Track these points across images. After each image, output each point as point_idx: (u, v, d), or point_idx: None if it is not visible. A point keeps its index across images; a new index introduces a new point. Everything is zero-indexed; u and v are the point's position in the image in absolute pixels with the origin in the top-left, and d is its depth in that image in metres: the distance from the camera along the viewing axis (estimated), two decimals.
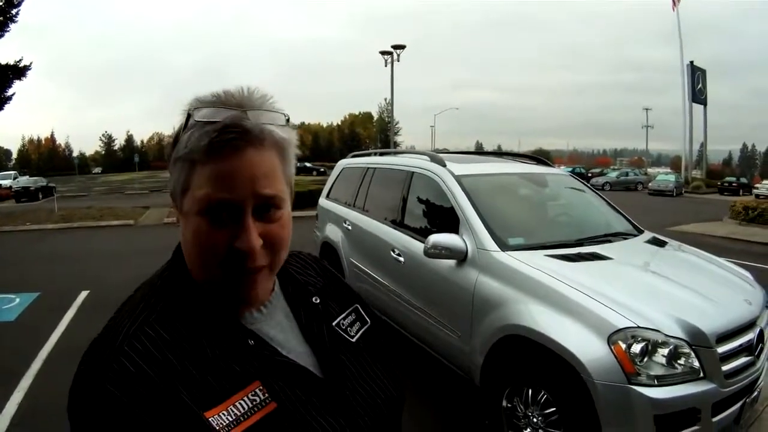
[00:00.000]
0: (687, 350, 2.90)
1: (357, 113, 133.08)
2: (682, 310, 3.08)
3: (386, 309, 5.06)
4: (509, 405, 3.48)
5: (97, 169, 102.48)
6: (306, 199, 17.48)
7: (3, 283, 8.83)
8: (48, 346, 5.93)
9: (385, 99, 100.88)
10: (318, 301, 1.05)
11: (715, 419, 2.97)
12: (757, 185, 43.78)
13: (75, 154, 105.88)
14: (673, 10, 56.30)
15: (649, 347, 2.85)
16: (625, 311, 2.98)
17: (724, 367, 3.01)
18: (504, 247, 3.86)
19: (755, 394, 3.35)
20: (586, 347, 2.94)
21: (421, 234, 4.57)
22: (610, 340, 2.88)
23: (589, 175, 54.41)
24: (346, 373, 0.98)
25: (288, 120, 0.88)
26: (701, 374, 2.91)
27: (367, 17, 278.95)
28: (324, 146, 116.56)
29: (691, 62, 55.44)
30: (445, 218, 4.41)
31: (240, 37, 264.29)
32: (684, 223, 18.16)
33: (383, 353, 1.10)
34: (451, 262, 4.03)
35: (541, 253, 3.80)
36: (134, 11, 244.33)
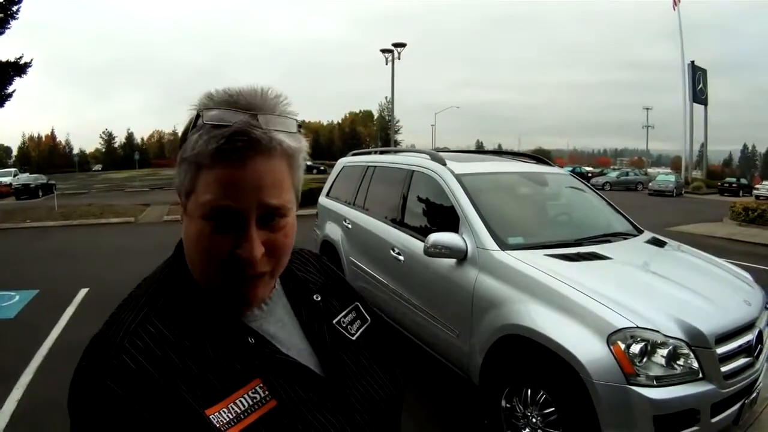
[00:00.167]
0: (686, 351, 2.90)
1: (357, 112, 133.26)
2: (681, 310, 3.08)
3: (385, 308, 5.06)
4: (508, 405, 3.48)
5: (98, 167, 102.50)
6: (306, 198, 17.32)
7: (3, 280, 8.84)
8: (47, 343, 5.93)
9: (386, 97, 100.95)
10: (319, 298, 1.05)
11: (714, 420, 2.97)
12: (757, 186, 43.77)
13: (75, 151, 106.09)
14: (674, 9, 56.31)
15: (649, 348, 2.85)
16: (625, 311, 2.98)
17: (723, 368, 3.01)
18: (504, 246, 3.86)
19: (754, 395, 3.35)
20: (586, 347, 2.93)
21: (421, 233, 4.56)
22: (610, 341, 2.88)
23: (589, 174, 54.45)
24: (346, 371, 0.98)
25: (300, 127, 0.87)
26: (700, 375, 2.91)
27: (367, 16, 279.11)
28: (324, 145, 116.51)
29: (692, 62, 55.46)
30: (445, 217, 4.41)
31: (241, 34, 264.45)
32: (684, 224, 18.15)
33: (383, 352, 1.10)
34: (451, 261, 4.03)
35: (540, 253, 3.79)
36: (135, 9, 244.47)
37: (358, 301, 1.15)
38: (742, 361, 3.17)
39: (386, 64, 31.76)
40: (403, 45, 30.85)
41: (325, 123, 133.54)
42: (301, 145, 0.87)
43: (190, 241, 0.86)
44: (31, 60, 22.98)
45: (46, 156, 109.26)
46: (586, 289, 3.19)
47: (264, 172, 0.81)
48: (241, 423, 0.80)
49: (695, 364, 2.90)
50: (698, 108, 57.17)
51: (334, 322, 1.05)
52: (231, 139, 0.78)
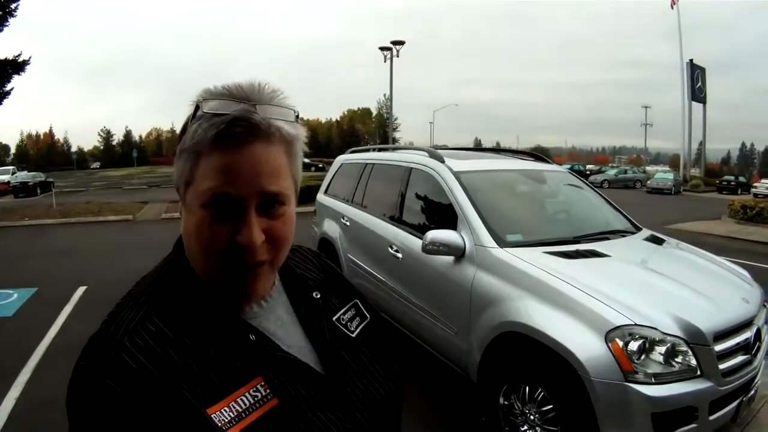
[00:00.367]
0: (684, 348, 2.90)
1: (356, 109, 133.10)
2: (679, 308, 3.08)
3: (384, 305, 5.06)
4: (506, 402, 3.48)
5: (96, 164, 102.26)
6: (304, 195, 17.33)
7: (1, 279, 8.84)
8: (45, 341, 5.92)
9: (384, 95, 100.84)
10: (318, 296, 1.05)
11: (712, 417, 2.98)
12: (755, 184, 43.80)
13: (73, 149, 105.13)
14: (672, 7, 56.33)
15: (647, 345, 2.85)
16: (623, 309, 2.98)
17: (722, 366, 3.01)
18: (502, 243, 3.86)
19: (752, 392, 3.35)
20: (584, 344, 2.93)
21: (419, 230, 4.55)
22: (608, 338, 2.88)
23: (588, 172, 54.47)
24: (346, 368, 0.98)
25: (297, 116, 0.87)
26: (698, 372, 2.92)
27: (366, 13, 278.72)
28: (323, 142, 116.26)
29: (691, 60, 55.49)
30: (443, 214, 4.41)
31: (239, 32, 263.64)
32: (682, 222, 18.20)
33: (383, 349, 1.10)
34: (449, 258, 4.03)
35: (539, 250, 3.79)
36: (133, 7, 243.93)
37: (358, 299, 1.14)
38: (740, 358, 3.17)
39: (385, 61, 31.74)
40: (401, 43, 30.81)
41: (323, 121, 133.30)
42: (299, 132, 0.88)
43: (190, 233, 0.86)
44: (30, 58, 22.96)
45: (44, 154, 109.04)
46: (584, 287, 3.19)
47: (263, 158, 0.82)
48: (243, 422, 0.80)
49: (693, 362, 2.91)
50: (697, 106, 57.28)
51: (333, 319, 1.05)
52: (231, 125, 0.78)
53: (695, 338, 2.93)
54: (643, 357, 2.85)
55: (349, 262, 5.92)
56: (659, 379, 2.83)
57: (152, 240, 12.40)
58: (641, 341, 2.85)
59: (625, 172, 53.90)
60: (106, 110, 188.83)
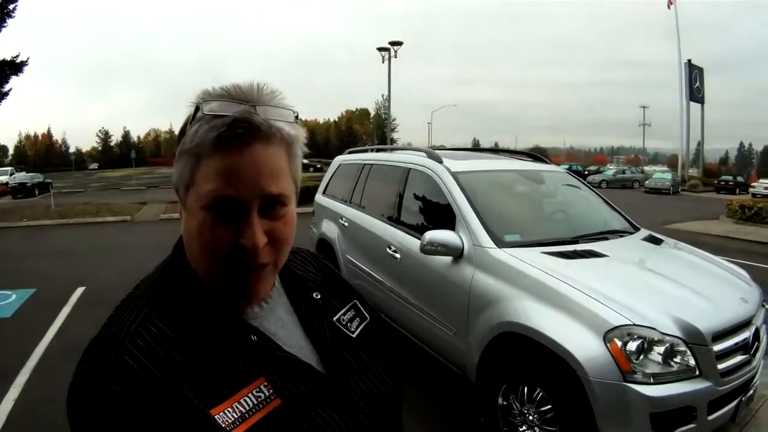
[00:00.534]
0: (683, 348, 2.90)
1: (354, 110, 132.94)
2: (678, 308, 3.09)
3: (382, 306, 5.05)
4: (505, 402, 3.48)
5: (94, 165, 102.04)
6: (302, 196, 17.26)
7: None
8: (44, 342, 5.91)
9: (383, 95, 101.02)
10: (318, 296, 1.05)
11: (710, 417, 2.98)
12: (753, 184, 43.80)
13: (72, 150, 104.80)
14: (669, 8, 56.30)
15: (645, 345, 2.85)
16: (621, 309, 2.98)
17: (720, 366, 3.01)
18: (500, 244, 3.86)
19: (751, 392, 3.35)
20: (582, 345, 2.93)
21: (418, 230, 4.55)
22: (606, 338, 2.88)
23: (586, 173, 54.51)
24: (347, 368, 0.98)
25: (297, 117, 0.87)
26: (697, 372, 2.92)
27: (364, 13, 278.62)
28: (321, 143, 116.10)
29: (689, 60, 55.50)
30: (441, 215, 4.41)
31: (237, 33, 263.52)
32: (680, 222, 18.22)
33: (383, 349, 1.10)
34: (447, 258, 4.03)
35: (537, 250, 3.80)
36: (131, 7, 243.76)
37: (357, 299, 1.15)
38: (738, 358, 3.17)
39: (383, 62, 31.73)
40: (399, 43, 30.79)
41: (321, 121, 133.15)
42: (300, 133, 0.88)
43: (191, 236, 0.85)
44: (28, 58, 22.96)
45: (42, 155, 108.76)
46: (582, 287, 3.19)
47: (264, 159, 0.81)
48: (246, 422, 0.80)
49: (692, 362, 2.91)
50: (695, 106, 57.32)
51: (334, 319, 1.05)
52: (232, 126, 0.78)
53: (694, 338, 2.93)
54: (641, 357, 2.85)
55: (347, 263, 5.91)
56: (658, 379, 2.83)
57: (151, 241, 12.39)
58: (640, 341, 2.85)
59: (623, 172, 53.95)
60: (104, 111, 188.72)
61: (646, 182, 42.77)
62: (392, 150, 6.69)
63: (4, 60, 22.21)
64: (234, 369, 0.83)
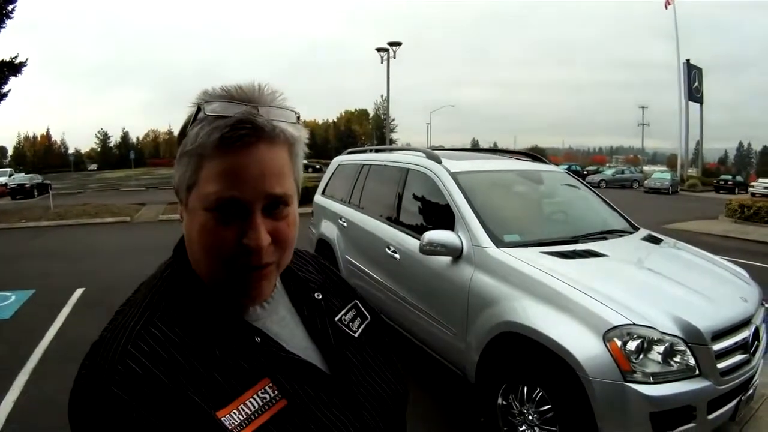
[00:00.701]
0: (683, 348, 2.90)
1: (353, 110, 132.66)
2: (677, 307, 3.09)
3: (381, 306, 5.04)
4: (504, 402, 3.48)
5: (93, 166, 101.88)
6: (302, 196, 17.42)
7: None
8: (44, 343, 5.91)
9: (382, 96, 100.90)
10: (320, 297, 1.05)
11: (710, 417, 2.98)
12: (752, 183, 43.77)
13: (71, 151, 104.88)
14: (666, 8, 56.22)
15: (645, 344, 2.85)
16: (621, 308, 2.98)
17: (720, 365, 3.01)
18: (499, 244, 3.86)
19: (751, 391, 3.35)
20: (582, 344, 2.93)
21: (417, 231, 4.55)
22: (606, 338, 2.88)
23: (585, 172, 54.50)
24: (351, 368, 0.98)
25: (298, 117, 0.87)
26: (697, 372, 2.92)
27: (363, 14, 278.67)
28: (320, 143, 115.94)
29: (687, 60, 55.42)
30: (440, 215, 4.40)
31: (236, 34, 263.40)
32: (680, 221, 18.22)
33: (385, 348, 1.10)
34: (447, 259, 4.03)
35: (536, 250, 3.80)
36: (130, 7, 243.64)
37: (357, 299, 1.14)
38: (738, 357, 3.17)
39: (381, 62, 31.72)
40: (398, 44, 30.78)
41: (320, 122, 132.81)
42: (302, 134, 0.88)
43: (193, 237, 0.85)
44: (27, 59, 23.00)
45: (41, 156, 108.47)
46: (582, 287, 3.19)
47: (267, 159, 0.81)
48: (253, 424, 0.80)
49: (692, 361, 2.91)
50: (694, 106, 57.17)
51: (335, 319, 1.05)
52: (235, 127, 0.78)
53: (693, 338, 2.93)
54: (641, 356, 2.85)
55: (346, 263, 5.91)
56: (657, 378, 2.83)
57: (150, 242, 12.40)
58: (639, 341, 2.85)
59: (623, 172, 53.93)
60: (104, 112, 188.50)
61: (646, 182, 42.77)
62: (391, 150, 6.69)
63: (2, 61, 22.23)
64: (238, 370, 0.83)
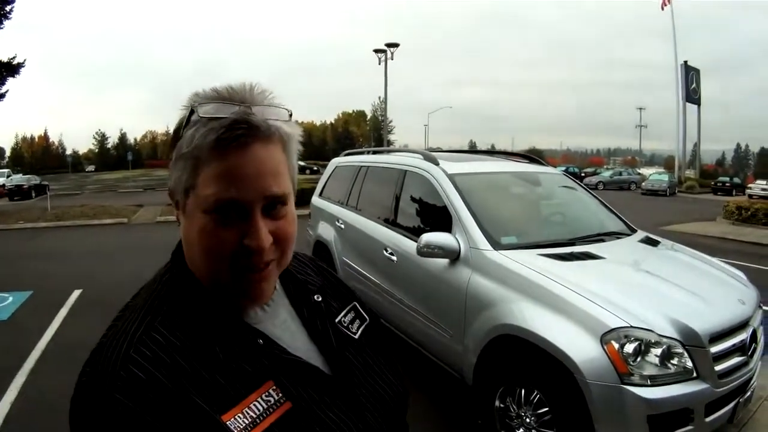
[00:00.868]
0: (680, 350, 2.90)
1: (350, 112, 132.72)
2: (675, 309, 3.08)
3: (379, 308, 5.03)
4: (502, 405, 3.47)
5: (91, 167, 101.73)
6: (299, 198, 17.33)
7: None
8: (41, 345, 5.91)
9: (379, 97, 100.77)
10: (320, 299, 1.05)
11: (708, 419, 2.98)
12: (750, 185, 43.88)
13: (68, 152, 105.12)
14: (662, 9, 56.32)
15: (642, 347, 2.85)
16: (618, 311, 2.98)
17: (718, 367, 3.01)
18: (497, 246, 3.85)
19: (748, 393, 3.35)
20: (579, 347, 2.93)
21: (414, 233, 4.56)
22: (603, 340, 2.88)
23: (583, 174, 54.53)
24: (353, 370, 0.99)
25: (291, 115, 0.87)
26: (694, 374, 2.92)
27: (361, 15, 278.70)
28: (317, 145, 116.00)
29: (685, 62, 55.51)
30: (438, 217, 4.40)
31: (234, 35, 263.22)
32: (677, 223, 18.24)
33: (385, 350, 1.10)
34: (444, 261, 4.02)
35: (534, 253, 3.79)
36: (129, 9, 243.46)
37: (356, 301, 1.15)
38: (736, 360, 3.17)
39: (379, 64, 31.75)
40: (396, 45, 30.80)
41: (317, 123, 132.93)
42: (296, 131, 0.88)
43: (193, 240, 0.85)
44: (25, 60, 23.02)
45: (39, 157, 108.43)
46: (579, 289, 3.19)
47: (264, 159, 0.82)
48: (258, 427, 0.79)
49: (689, 364, 2.91)
50: (691, 108, 57.23)
51: (336, 321, 1.05)
52: (231, 128, 0.78)
53: (691, 340, 2.93)
54: (638, 359, 2.85)
55: (343, 265, 5.91)
56: (655, 381, 2.83)
57: (148, 243, 12.39)
58: (637, 343, 2.85)
59: (620, 173, 53.94)
60: (101, 113, 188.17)
61: (643, 184, 42.81)
62: (389, 152, 6.70)
63: (0, 61, 22.20)
64: (241, 373, 0.82)
